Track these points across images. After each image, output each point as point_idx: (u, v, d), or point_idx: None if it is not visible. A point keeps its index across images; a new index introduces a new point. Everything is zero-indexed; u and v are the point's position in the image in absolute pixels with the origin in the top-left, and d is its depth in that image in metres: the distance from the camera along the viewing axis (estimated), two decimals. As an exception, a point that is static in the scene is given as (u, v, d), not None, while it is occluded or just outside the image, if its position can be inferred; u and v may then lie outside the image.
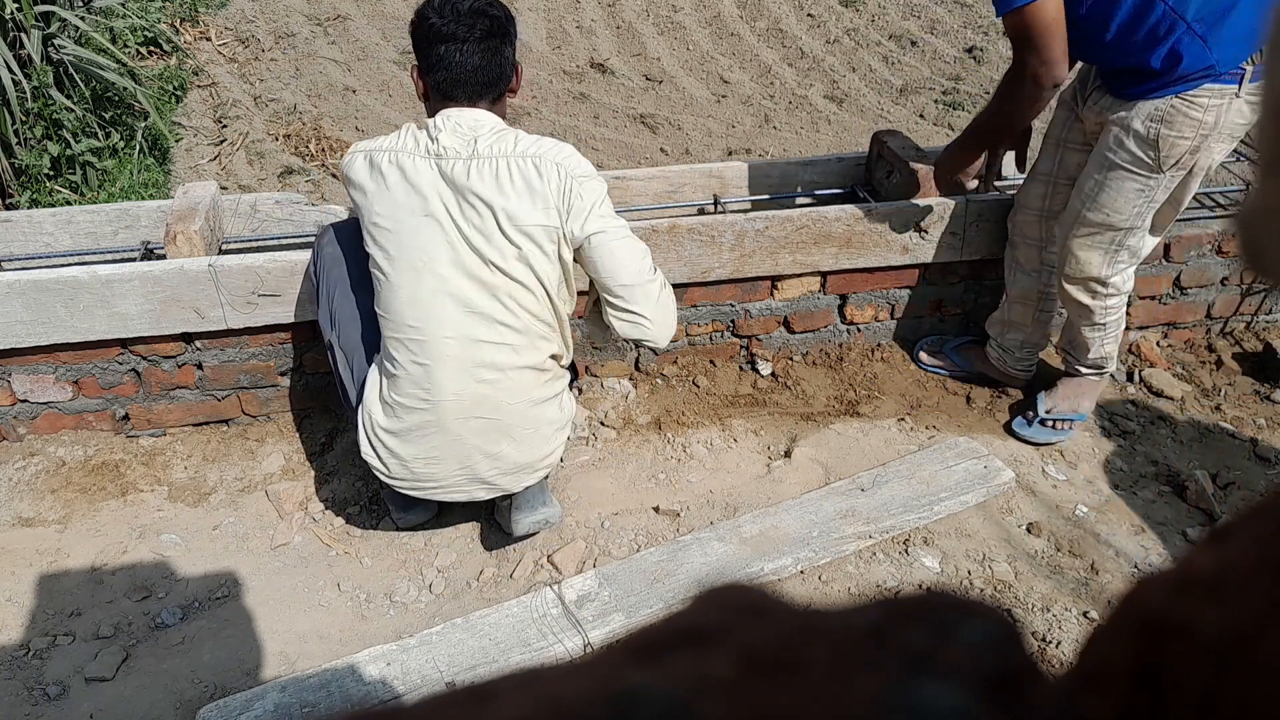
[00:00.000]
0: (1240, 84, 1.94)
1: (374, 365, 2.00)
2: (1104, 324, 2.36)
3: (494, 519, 2.19)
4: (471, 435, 1.93)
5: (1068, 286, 2.31)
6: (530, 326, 1.90)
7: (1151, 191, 2.11)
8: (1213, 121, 1.98)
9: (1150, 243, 2.26)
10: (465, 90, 1.87)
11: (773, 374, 2.69)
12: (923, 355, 2.71)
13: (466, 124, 1.84)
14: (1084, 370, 2.48)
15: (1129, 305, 2.81)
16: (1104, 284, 2.27)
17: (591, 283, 1.98)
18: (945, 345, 2.72)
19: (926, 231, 2.54)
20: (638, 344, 2.32)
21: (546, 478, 2.18)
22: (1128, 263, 2.26)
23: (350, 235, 2.09)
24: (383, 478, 2.01)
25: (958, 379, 2.67)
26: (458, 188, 1.82)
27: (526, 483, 2.04)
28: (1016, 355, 2.56)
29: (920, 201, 2.52)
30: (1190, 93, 1.96)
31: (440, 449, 1.94)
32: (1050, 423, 2.47)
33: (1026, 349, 2.56)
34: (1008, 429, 2.53)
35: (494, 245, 1.83)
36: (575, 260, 1.93)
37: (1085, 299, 2.30)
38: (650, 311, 1.95)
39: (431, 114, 1.90)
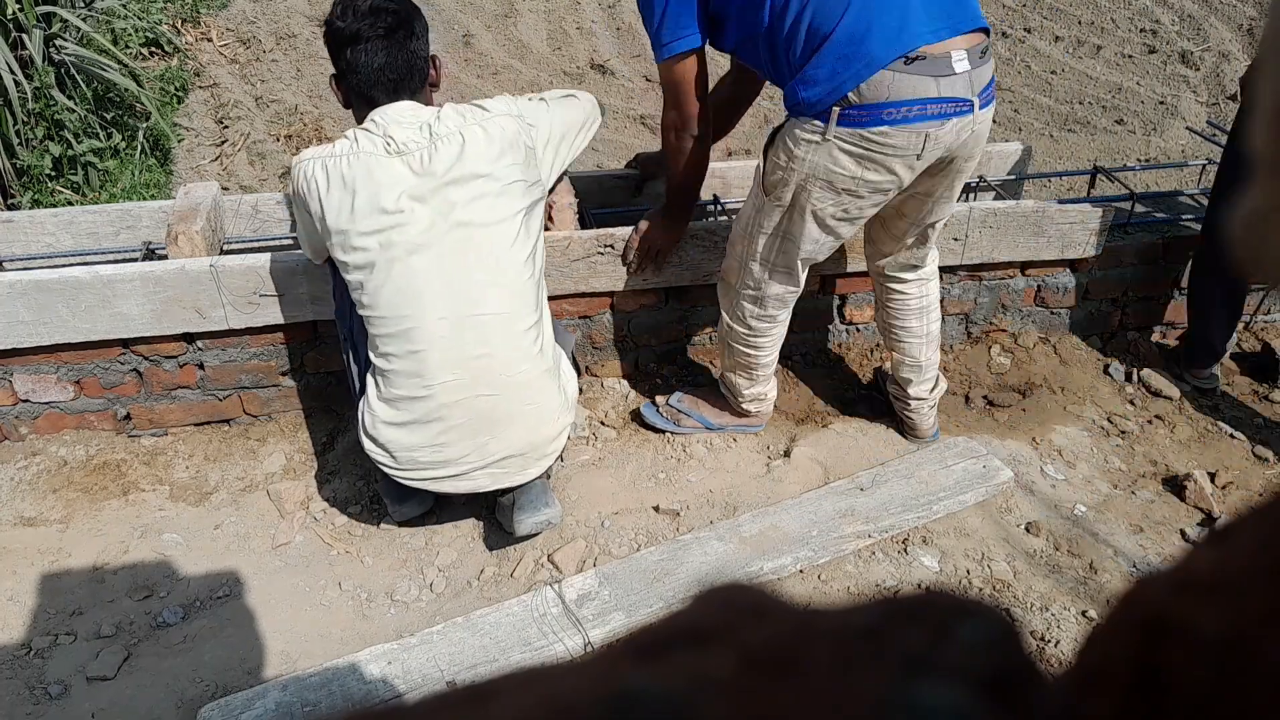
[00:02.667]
0: (827, 124, 1.85)
1: (368, 374, 2.01)
2: (727, 341, 2.32)
3: (495, 518, 2.19)
4: (475, 416, 1.94)
5: (720, 278, 2.32)
6: (515, 289, 1.93)
7: (760, 212, 2.07)
8: (802, 157, 1.91)
9: (774, 286, 2.15)
10: (381, 89, 1.90)
11: (773, 374, 2.69)
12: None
13: (407, 116, 1.88)
14: (721, 383, 2.46)
15: (1124, 307, 2.81)
16: (733, 297, 2.24)
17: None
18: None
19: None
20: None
21: (549, 477, 2.18)
22: (754, 289, 2.18)
23: None
24: (390, 471, 2.01)
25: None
26: (432, 174, 1.85)
27: (534, 470, 2.05)
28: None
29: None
30: (799, 120, 1.91)
31: (446, 434, 1.95)
32: (673, 411, 2.47)
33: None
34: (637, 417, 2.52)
35: (477, 214, 1.87)
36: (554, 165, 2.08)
37: (720, 294, 2.30)
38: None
39: (360, 119, 1.93)
